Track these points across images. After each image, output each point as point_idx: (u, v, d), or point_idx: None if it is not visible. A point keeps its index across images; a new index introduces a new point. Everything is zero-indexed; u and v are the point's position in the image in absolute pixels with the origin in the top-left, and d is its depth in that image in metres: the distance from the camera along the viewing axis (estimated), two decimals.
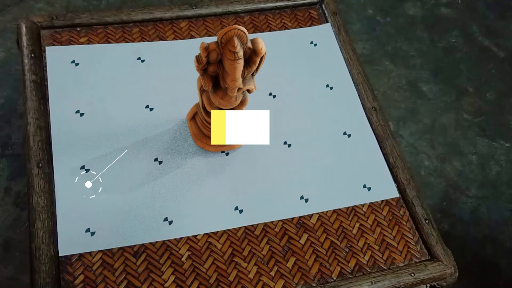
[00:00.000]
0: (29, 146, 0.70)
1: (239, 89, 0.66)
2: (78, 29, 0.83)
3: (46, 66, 0.78)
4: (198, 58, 0.65)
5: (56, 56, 0.79)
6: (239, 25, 0.76)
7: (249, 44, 0.64)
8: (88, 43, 0.82)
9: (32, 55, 0.78)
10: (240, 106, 0.71)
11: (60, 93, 0.76)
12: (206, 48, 0.63)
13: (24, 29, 0.80)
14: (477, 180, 1.32)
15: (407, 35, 1.54)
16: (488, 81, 1.50)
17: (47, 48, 0.80)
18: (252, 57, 0.65)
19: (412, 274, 0.69)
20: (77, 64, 0.79)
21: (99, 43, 0.82)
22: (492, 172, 1.34)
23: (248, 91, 0.68)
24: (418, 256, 0.71)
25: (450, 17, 1.60)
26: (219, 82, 0.67)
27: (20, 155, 1.19)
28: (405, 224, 0.74)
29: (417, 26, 1.56)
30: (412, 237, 0.73)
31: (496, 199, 1.31)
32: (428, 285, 0.70)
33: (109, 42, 0.83)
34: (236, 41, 0.61)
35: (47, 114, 0.74)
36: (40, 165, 0.69)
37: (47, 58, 0.79)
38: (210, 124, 0.73)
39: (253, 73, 0.68)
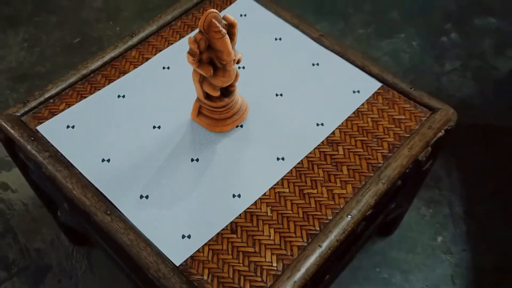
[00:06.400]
0: (86, 205, 0.74)
1: (234, 60, 0.76)
2: (52, 101, 0.86)
3: (48, 143, 0.81)
4: (191, 52, 0.73)
5: (51, 130, 0.82)
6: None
7: (223, 22, 0.74)
8: (67, 108, 0.86)
9: (32, 138, 0.80)
10: (236, 79, 0.80)
11: (79, 156, 0.80)
12: (195, 40, 0.72)
13: (7, 124, 0.82)
14: None
15: None
16: None
17: (38, 128, 0.82)
18: (230, 30, 0.75)
19: (430, 127, 0.83)
20: (73, 127, 0.83)
21: (77, 103, 0.87)
22: None
23: (239, 60, 0.78)
24: (424, 115, 0.86)
25: None
26: (214, 65, 0.76)
27: (27, 267, 1.16)
28: (399, 100, 0.88)
29: None
30: (412, 107, 0.87)
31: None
32: (443, 130, 0.85)
33: (83, 98, 0.87)
34: (216, 22, 0.71)
35: (80, 175, 0.77)
36: (109, 212, 0.73)
37: (45, 135, 0.82)
38: (219, 107, 0.81)
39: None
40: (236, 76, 0.80)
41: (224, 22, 0.73)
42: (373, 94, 0.89)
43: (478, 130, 1.41)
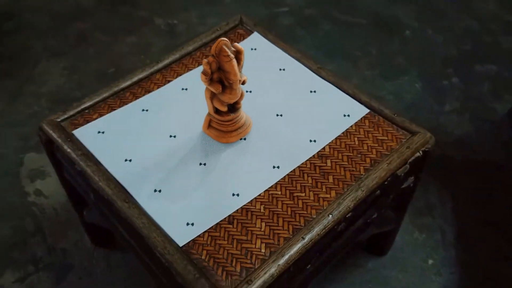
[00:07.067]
0: (109, 194, 0.88)
1: (239, 81, 0.91)
2: (87, 111, 1.03)
3: (81, 144, 0.96)
4: (204, 72, 0.88)
5: (85, 134, 0.98)
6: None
7: (232, 48, 0.89)
8: (99, 117, 1.02)
9: (68, 140, 0.96)
10: (241, 97, 0.95)
11: (106, 155, 0.95)
12: (208, 62, 0.88)
13: (48, 128, 0.98)
14: None
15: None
16: None
17: (73, 132, 0.98)
18: (237, 55, 0.90)
19: (408, 147, 0.96)
20: (103, 132, 0.99)
21: (107, 113, 1.02)
22: None
23: (244, 81, 0.93)
24: (404, 137, 0.99)
25: None
26: (223, 84, 0.91)
27: (52, 264, 1.29)
28: (383, 123, 1.01)
29: None
30: (394, 130, 1.00)
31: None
32: (421, 151, 0.97)
33: (113, 110, 1.03)
34: (226, 48, 0.86)
35: (105, 170, 0.92)
36: (127, 200, 0.86)
37: (79, 138, 0.97)
38: (226, 121, 0.96)
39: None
40: (242, 95, 0.94)
41: (233, 49, 0.89)
42: (361, 118, 1.02)
43: (472, 165, 1.52)
